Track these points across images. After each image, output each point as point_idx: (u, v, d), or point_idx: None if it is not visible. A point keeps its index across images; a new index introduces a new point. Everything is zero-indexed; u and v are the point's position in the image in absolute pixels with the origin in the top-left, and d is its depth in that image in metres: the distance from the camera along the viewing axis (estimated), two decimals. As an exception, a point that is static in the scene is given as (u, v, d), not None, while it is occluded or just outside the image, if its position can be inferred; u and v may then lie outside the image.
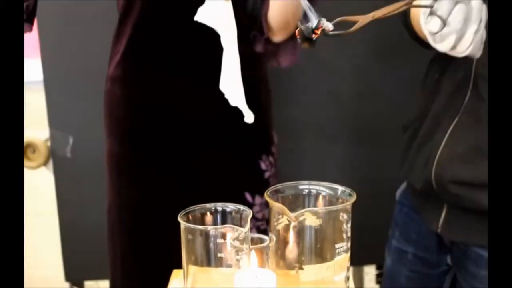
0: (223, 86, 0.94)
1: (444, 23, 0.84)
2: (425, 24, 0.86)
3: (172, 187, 1.33)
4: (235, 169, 1.34)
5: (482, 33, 0.87)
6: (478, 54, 0.89)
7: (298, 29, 0.80)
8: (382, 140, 1.79)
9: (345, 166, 1.83)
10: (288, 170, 1.58)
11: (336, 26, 0.80)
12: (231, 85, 0.93)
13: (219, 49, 1.04)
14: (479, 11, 0.87)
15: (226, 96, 0.94)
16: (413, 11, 1.05)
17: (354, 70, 1.76)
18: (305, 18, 0.80)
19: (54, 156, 1.84)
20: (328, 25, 0.80)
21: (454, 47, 0.86)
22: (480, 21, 0.86)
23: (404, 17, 1.11)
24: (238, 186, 1.34)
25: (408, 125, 1.22)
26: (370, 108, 1.79)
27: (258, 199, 1.35)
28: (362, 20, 0.82)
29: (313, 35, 0.80)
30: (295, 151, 1.79)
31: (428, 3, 0.86)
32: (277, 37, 1.21)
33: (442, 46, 0.86)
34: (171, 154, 1.32)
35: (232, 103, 0.94)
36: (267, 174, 1.37)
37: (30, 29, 1.19)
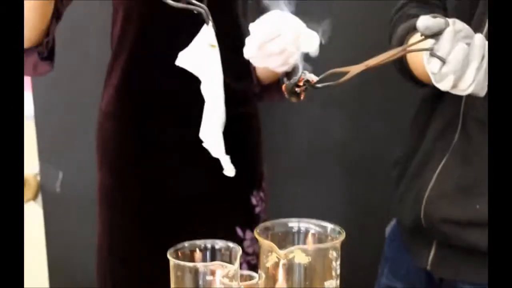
0: (204, 136, 0.93)
1: (444, 62, 0.85)
2: (427, 64, 0.86)
3: (165, 222, 1.34)
4: (226, 204, 1.35)
5: (485, 69, 0.87)
6: (482, 92, 0.87)
7: (284, 84, 0.83)
8: (372, 177, 1.79)
9: (334, 202, 1.84)
10: (277, 205, 1.58)
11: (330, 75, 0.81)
12: (212, 137, 0.92)
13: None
14: (481, 48, 0.86)
15: (206, 147, 0.94)
16: (409, 54, 1.05)
17: (344, 104, 1.77)
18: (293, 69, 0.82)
19: (44, 191, 1.85)
20: (311, 77, 0.82)
21: (455, 86, 0.86)
22: (483, 58, 0.86)
23: (400, 63, 1.11)
24: (230, 221, 1.35)
25: (398, 162, 1.23)
26: (359, 144, 1.80)
27: (249, 234, 1.36)
28: (354, 70, 0.83)
29: (297, 89, 0.82)
30: (284, 188, 1.80)
31: (428, 44, 0.86)
32: (267, 82, 1.23)
33: (442, 85, 0.86)
34: (163, 188, 1.33)
35: (213, 154, 0.95)
36: (257, 209, 1.39)
37: (52, 66, 1.18)
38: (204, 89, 0.91)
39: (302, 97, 0.84)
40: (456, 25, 0.86)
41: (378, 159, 1.68)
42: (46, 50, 1.14)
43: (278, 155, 1.77)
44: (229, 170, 0.94)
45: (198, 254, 0.89)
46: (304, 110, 1.74)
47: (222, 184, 1.22)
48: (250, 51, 0.95)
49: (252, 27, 0.97)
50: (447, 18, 0.86)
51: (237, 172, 1.30)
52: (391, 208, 1.21)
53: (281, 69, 1.00)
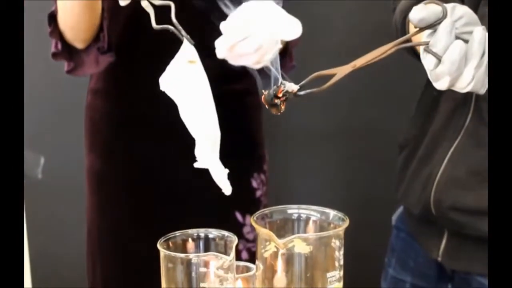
0: (198, 159, 0.91)
1: (439, 60, 0.81)
2: (423, 59, 0.84)
3: (159, 206, 1.35)
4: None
5: (486, 66, 0.83)
6: (482, 90, 0.85)
7: (263, 96, 0.82)
8: (376, 161, 1.80)
9: (338, 187, 1.85)
10: (277, 190, 1.59)
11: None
12: (206, 162, 0.91)
13: (211, 58, 1.02)
14: (481, 43, 0.81)
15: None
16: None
17: (349, 83, 1.79)
18: (275, 81, 0.81)
19: (25, 177, 1.84)
20: (291, 87, 0.81)
21: (452, 85, 0.84)
22: (483, 54, 0.82)
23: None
24: (228, 205, 1.35)
25: (404, 145, 1.22)
26: (364, 125, 1.81)
27: (249, 219, 1.36)
28: (341, 72, 0.80)
29: (276, 100, 0.81)
30: (285, 169, 1.80)
31: (425, 36, 0.83)
32: None
33: (438, 85, 0.84)
34: (157, 170, 1.34)
35: (214, 177, 0.94)
36: (258, 193, 1.40)
37: (113, 57, 1.27)
38: (183, 114, 0.90)
39: (282, 108, 0.83)
40: (455, 12, 0.82)
41: (382, 142, 1.67)
42: (105, 43, 1.24)
43: (277, 141, 1.78)
44: (226, 189, 0.93)
45: (190, 244, 0.88)
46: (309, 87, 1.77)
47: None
48: (221, 53, 0.95)
49: (222, 26, 0.97)
50: (445, 5, 0.82)
51: (236, 152, 1.30)
52: (397, 195, 1.21)
53: (257, 66, 0.99)
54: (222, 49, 0.96)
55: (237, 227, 1.35)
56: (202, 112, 0.89)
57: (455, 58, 0.80)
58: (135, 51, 1.32)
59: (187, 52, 0.88)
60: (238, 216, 1.38)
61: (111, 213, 1.37)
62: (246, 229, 1.37)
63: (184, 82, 0.88)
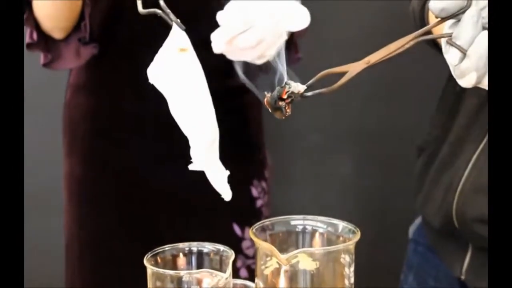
0: (194, 160, 0.87)
1: (465, 54, 0.79)
2: (445, 54, 0.81)
3: (147, 217, 1.32)
4: (221, 196, 1.30)
5: None
6: None
7: (265, 98, 0.80)
8: (391, 167, 1.78)
9: (348, 196, 1.83)
10: (279, 199, 1.58)
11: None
12: (202, 162, 0.87)
13: (204, 49, 1.00)
14: None
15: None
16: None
17: (361, 80, 1.82)
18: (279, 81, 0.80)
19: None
20: (298, 87, 0.78)
21: (479, 83, 0.82)
22: None
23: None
24: (225, 217, 1.32)
25: (423, 147, 1.20)
26: (378, 126, 1.79)
27: (248, 232, 1.32)
28: (354, 69, 0.78)
29: (280, 103, 0.79)
30: (289, 176, 1.78)
31: (447, 27, 0.80)
32: None
33: (463, 82, 0.82)
34: (145, 177, 1.30)
35: (212, 180, 0.91)
36: (259, 203, 1.36)
37: (96, 48, 1.25)
38: (174, 110, 0.86)
39: (288, 111, 0.81)
40: (480, 0, 0.80)
41: (398, 144, 1.66)
42: (87, 33, 1.22)
43: (281, 144, 1.78)
44: (225, 195, 0.90)
45: (181, 260, 0.87)
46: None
47: None
48: (218, 47, 0.95)
49: (219, 17, 0.95)
50: None
51: (233, 156, 1.26)
52: (415, 204, 1.19)
53: (259, 62, 1.00)
54: (220, 42, 0.96)
55: (235, 241, 1.32)
56: (197, 106, 0.85)
57: (483, 52, 0.77)
58: (120, 41, 1.28)
59: (177, 39, 0.83)
60: (236, 228, 1.33)
61: (94, 225, 1.33)
62: (245, 244, 1.32)
63: (175, 72, 0.84)
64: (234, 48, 0.96)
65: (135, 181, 1.31)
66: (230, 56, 1.00)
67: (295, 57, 1.29)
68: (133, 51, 1.27)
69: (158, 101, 1.25)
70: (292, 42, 1.27)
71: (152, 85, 1.25)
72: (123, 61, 1.29)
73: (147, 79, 1.25)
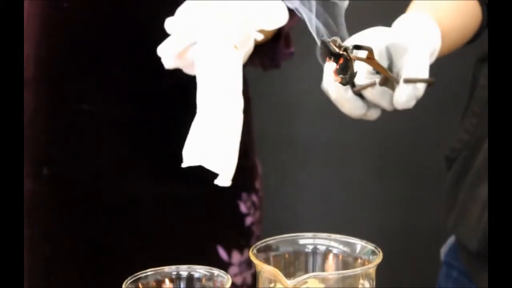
0: (190, 160, 0.87)
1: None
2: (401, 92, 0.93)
3: (113, 240, 1.24)
4: (202, 213, 1.26)
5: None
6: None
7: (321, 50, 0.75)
8: (418, 178, 1.77)
9: (367, 212, 1.82)
10: (285, 214, 1.55)
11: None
12: (200, 156, 0.86)
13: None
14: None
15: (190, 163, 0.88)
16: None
17: None
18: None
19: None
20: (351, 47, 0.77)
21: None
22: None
23: None
24: (208, 238, 1.26)
25: (454, 157, 1.19)
26: (400, 132, 1.78)
27: (236, 256, 1.28)
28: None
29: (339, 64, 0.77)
30: (289, 187, 1.76)
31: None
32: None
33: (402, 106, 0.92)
34: (108, 190, 1.23)
35: (212, 167, 0.89)
36: (249, 220, 1.30)
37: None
38: (202, 95, 0.88)
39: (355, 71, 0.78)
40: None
41: (425, 153, 1.65)
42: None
43: (283, 152, 1.77)
44: (224, 180, 0.87)
45: (167, 286, 0.84)
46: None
47: (195, 183, 1.14)
48: (168, 63, 0.92)
49: (167, 25, 0.92)
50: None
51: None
52: (446, 223, 1.18)
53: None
54: (168, 59, 0.92)
55: (220, 268, 1.25)
56: (228, 100, 0.88)
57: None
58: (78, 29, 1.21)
59: (235, 37, 0.89)
60: (221, 252, 1.26)
61: (43, 250, 1.24)
62: (232, 270, 1.25)
63: (221, 63, 0.88)
64: (189, 62, 0.92)
65: (96, 196, 1.22)
66: (187, 71, 0.96)
67: (286, 52, 1.24)
68: (89, 35, 1.20)
69: (124, 99, 1.23)
70: (281, 34, 1.22)
71: (117, 78, 1.21)
72: (79, 50, 1.21)
73: (108, 72, 1.21)
